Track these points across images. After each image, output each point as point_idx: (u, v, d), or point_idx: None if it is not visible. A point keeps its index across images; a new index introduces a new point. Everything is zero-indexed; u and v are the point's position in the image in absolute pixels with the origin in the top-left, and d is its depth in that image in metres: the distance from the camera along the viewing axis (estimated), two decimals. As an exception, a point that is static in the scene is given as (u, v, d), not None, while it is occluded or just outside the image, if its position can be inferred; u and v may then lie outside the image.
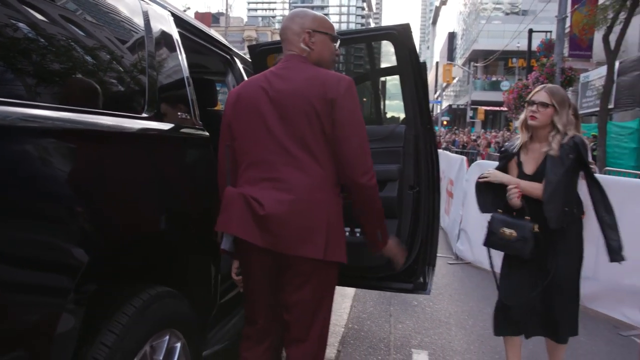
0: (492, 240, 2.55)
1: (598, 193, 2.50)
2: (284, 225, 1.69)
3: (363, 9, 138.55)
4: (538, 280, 2.51)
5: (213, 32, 2.77)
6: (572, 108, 2.54)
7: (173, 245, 1.82)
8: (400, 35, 2.37)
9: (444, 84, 52.94)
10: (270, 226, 1.69)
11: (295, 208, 1.69)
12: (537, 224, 2.42)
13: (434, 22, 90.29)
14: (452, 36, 59.11)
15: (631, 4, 9.74)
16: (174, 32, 2.05)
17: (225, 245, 1.91)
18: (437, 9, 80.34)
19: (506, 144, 2.88)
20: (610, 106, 12.54)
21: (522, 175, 2.56)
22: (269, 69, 1.89)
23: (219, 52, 2.78)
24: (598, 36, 11.97)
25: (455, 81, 51.75)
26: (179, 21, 2.16)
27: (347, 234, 2.62)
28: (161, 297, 1.64)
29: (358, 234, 2.63)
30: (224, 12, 42.21)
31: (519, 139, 2.62)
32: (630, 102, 12.23)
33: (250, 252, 1.79)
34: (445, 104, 56.40)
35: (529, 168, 2.55)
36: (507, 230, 2.46)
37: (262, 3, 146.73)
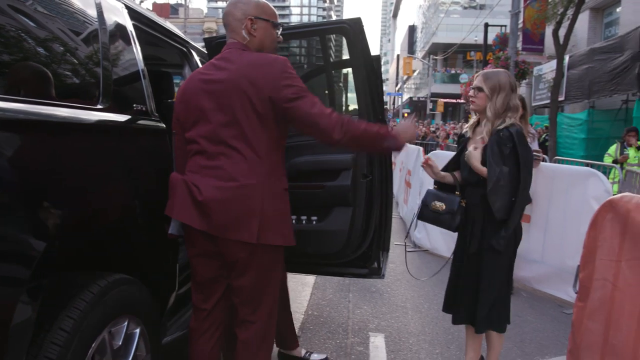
0: (424, 213, 2.69)
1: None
2: (220, 210, 1.78)
3: (324, 1, 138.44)
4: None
5: (169, 25, 2.79)
6: (513, 96, 2.46)
7: (130, 234, 1.86)
8: (352, 29, 2.45)
9: (405, 77, 53.62)
10: (207, 211, 1.79)
11: (230, 194, 1.78)
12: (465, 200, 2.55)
13: (395, 15, 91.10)
14: (412, 29, 59.84)
15: (578, 1, 10.17)
16: (128, 24, 2.07)
17: (172, 230, 1.98)
18: (398, 2, 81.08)
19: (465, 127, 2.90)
20: (561, 98, 13.06)
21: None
22: (209, 60, 1.97)
23: (175, 44, 2.81)
24: (549, 31, 12.42)
25: (415, 74, 52.52)
26: (133, 13, 2.18)
27: (294, 221, 2.73)
28: (119, 284, 1.68)
29: (314, 222, 2.73)
30: (183, 3, 41.44)
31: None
32: (579, 95, 12.76)
33: (195, 237, 1.88)
34: (406, 97, 57.18)
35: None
36: (438, 203, 2.61)
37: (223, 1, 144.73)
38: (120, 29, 1.99)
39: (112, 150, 1.78)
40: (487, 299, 2.44)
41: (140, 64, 2.06)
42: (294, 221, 2.75)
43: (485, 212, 2.42)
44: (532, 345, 3.35)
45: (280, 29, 2.00)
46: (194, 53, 3.03)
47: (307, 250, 2.72)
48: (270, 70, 1.79)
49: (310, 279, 4.39)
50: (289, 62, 1.83)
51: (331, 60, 2.84)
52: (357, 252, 2.68)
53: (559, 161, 9.12)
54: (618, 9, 13.89)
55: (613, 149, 7.78)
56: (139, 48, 2.08)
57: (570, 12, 10.67)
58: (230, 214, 1.78)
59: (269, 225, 1.81)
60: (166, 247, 2.11)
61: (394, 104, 61.07)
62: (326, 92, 2.99)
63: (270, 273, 1.93)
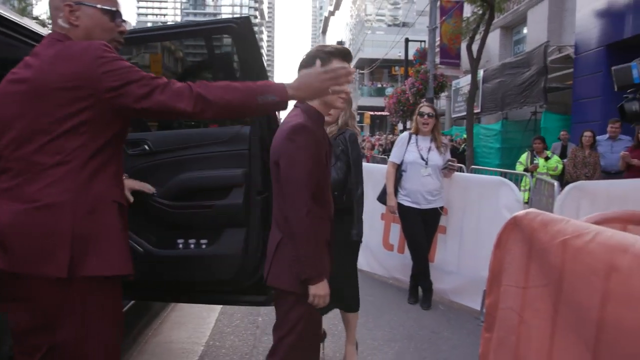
0: None
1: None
2: (17, 239, 1.41)
3: (255, 17, 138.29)
4: None
5: (28, 22, 2.39)
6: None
7: None
8: (240, 29, 2.19)
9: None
10: (4, 242, 1.41)
11: (28, 218, 1.41)
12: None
13: (324, 32, 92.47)
14: (340, 45, 60.95)
15: (488, 18, 10.63)
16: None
17: None
18: (327, 19, 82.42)
19: None
20: (478, 110, 13.57)
21: None
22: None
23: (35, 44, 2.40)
24: (464, 46, 12.90)
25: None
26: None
27: (181, 245, 2.40)
28: None
29: (204, 246, 2.41)
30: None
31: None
32: (493, 107, 13.31)
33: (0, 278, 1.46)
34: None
35: None
36: None
37: (153, 8, 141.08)
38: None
39: None
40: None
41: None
42: (180, 246, 2.42)
43: None
44: (447, 365, 3.20)
45: (121, 17, 1.65)
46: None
47: (196, 278, 2.39)
48: (82, 60, 1.45)
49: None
50: (106, 44, 1.49)
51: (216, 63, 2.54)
52: (254, 278, 2.38)
53: (475, 170, 9.35)
54: (525, 29, 14.73)
55: (524, 157, 8.05)
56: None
57: (482, 28, 11.11)
58: (29, 243, 1.40)
59: (86, 250, 1.43)
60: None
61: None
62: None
63: (100, 321, 1.49)
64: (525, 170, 7.70)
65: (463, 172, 7.30)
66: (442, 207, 4.27)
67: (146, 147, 2.47)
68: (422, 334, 3.69)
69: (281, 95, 1.57)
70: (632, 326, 1.00)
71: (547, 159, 7.71)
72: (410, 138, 4.25)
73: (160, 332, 3.40)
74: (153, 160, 2.47)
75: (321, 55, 1.85)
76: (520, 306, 1.45)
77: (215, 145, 2.39)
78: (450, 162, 4.22)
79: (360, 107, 39.45)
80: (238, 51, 2.25)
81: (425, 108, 4.26)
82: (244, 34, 2.21)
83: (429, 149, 4.17)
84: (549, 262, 1.33)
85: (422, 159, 4.14)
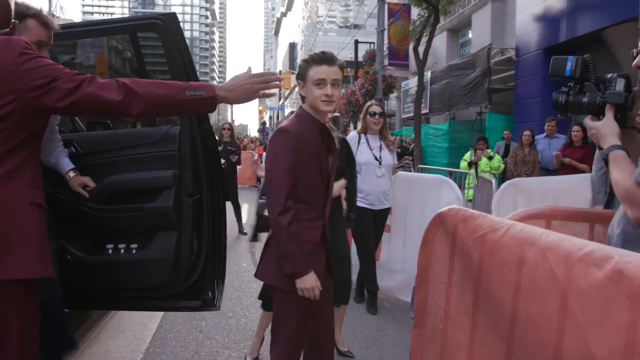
0: (260, 223, 2.46)
1: None
2: None
3: (207, 17, 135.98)
4: None
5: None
6: None
7: None
8: (166, 26, 2.13)
9: (287, 92, 54.30)
10: None
11: None
12: None
13: (276, 33, 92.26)
14: (292, 46, 60.89)
15: (433, 21, 10.90)
16: None
17: None
18: (279, 20, 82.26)
19: None
20: (426, 111, 13.87)
21: None
22: None
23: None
24: (412, 47, 13.16)
25: (297, 89, 53.37)
26: None
27: (110, 251, 2.31)
28: None
29: (134, 251, 2.32)
30: (53, 13, 37.90)
31: None
32: (441, 107, 13.65)
33: None
34: (288, 111, 57.86)
35: None
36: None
37: (99, 7, 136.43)
38: None
39: None
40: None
41: None
42: (110, 251, 2.32)
43: None
44: (390, 361, 3.23)
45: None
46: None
47: (127, 284, 2.30)
48: (3, 55, 1.38)
49: (161, 309, 3.90)
50: (25, 41, 1.43)
51: (145, 61, 2.45)
52: (187, 282, 2.32)
53: (423, 169, 9.55)
54: (470, 32, 15.18)
55: (468, 155, 8.28)
56: None
57: (428, 30, 11.36)
58: None
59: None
60: None
61: (277, 118, 61.49)
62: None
63: (15, 323, 1.43)
64: (469, 163, 7.92)
65: (411, 171, 7.44)
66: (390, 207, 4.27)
67: (73, 148, 2.36)
68: (366, 332, 3.72)
69: (210, 91, 1.58)
70: (537, 317, 1.02)
71: (490, 158, 7.96)
72: (360, 138, 4.14)
73: (96, 342, 3.26)
74: (81, 162, 2.36)
75: (300, 66, 2.05)
76: (445, 302, 1.47)
77: (145, 146, 2.31)
78: (407, 161, 4.23)
79: (313, 108, 39.51)
80: (165, 49, 2.18)
81: (375, 107, 4.16)
82: (170, 31, 2.15)
83: (380, 148, 4.10)
84: (469, 257, 1.36)
85: (376, 159, 4.06)
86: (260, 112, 59.29)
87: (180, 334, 3.51)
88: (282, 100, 63.79)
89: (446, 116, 14.39)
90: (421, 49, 11.59)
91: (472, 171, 7.71)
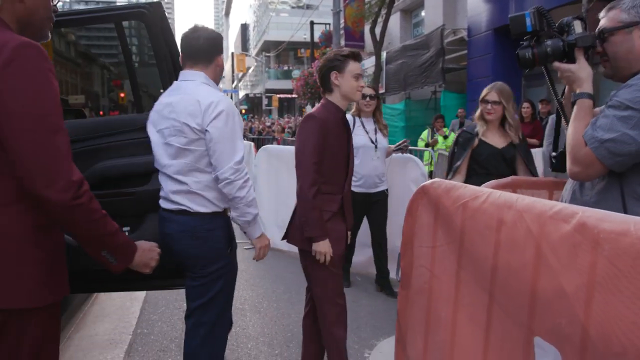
0: None
1: None
2: None
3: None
4: None
5: None
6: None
7: None
8: (151, 15, 2.19)
9: (240, 74, 53.54)
10: None
11: None
12: None
13: (227, 14, 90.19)
14: (244, 27, 59.87)
15: (389, 2, 11.08)
16: None
17: None
18: (229, 1, 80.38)
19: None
20: (382, 91, 14.14)
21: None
22: None
23: None
24: (368, 29, 13.33)
25: (250, 71, 52.74)
26: None
27: None
28: None
29: (127, 233, 2.41)
30: None
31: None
32: (397, 87, 13.95)
33: None
34: (242, 93, 57.17)
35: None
36: None
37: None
38: None
39: None
40: None
41: None
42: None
43: None
44: (367, 330, 3.46)
45: None
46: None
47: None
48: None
49: (141, 293, 3.99)
50: (31, 46, 1.28)
51: (131, 50, 2.51)
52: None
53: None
54: (423, 12, 15.49)
55: (425, 134, 8.61)
56: None
57: (384, 11, 11.56)
58: None
59: None
60: None
61: (231, 99, 60.61)
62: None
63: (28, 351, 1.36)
64: (426, 145, 8.25)
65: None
66: (387, 189, 4.22)
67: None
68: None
69: (123, 261, 1.54)
70: (516, 267, 1.23)
71: (445, 137, 8.31)
72: (355, 121, 4.06)
73: (82, 327, 3.33)
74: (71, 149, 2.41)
75: (338, 59, 2.34)
76: (431, 263, 1.66)
77: (134, 132, 2.38)
78: (405, 144, 4.24)
79: (267, 90, 39.34)
80: (151, 38, 2.24)
81: (367, 90, 4.00)
82: (155, 19, 2.21)
83: (375, 131, 4.08)
84: (452, 223, 1.55)
85: (372, 142, 4.03)
86: (214, 95, 58.07)
87: (165, 315, 3.62)
88: (235, 83, 62.89)
89: (402, 96, 14.72)
90: (377, 30, 11.77)
91: (431, 148, 8.04)
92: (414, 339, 1.73)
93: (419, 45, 12.50)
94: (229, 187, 2.06)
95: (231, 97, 60.08)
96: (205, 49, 2.10)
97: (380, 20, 11.82)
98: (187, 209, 2.08)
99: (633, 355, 0.94)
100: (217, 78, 2.21)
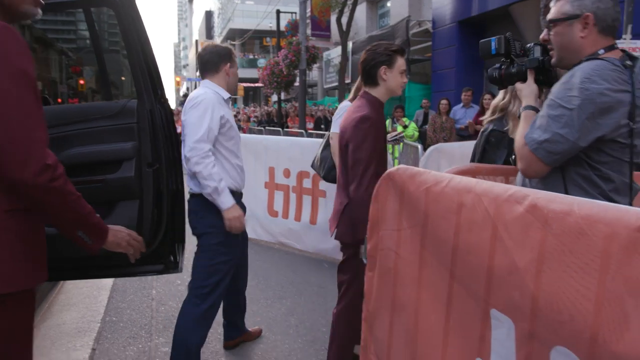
0: None
1: None
2: None
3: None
4: None
5: None
6: None
7: None
8: (122, 2, 2.18)
9: (204, 62, 52.75)
10: None
11: None
12: None
13: (190, 0, 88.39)
14: (209, 15, 58.83)
15: (356, -8, 11.16)
16: None
17: None
18: (193, -14, 78.79)
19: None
20: (348, 81, 14.24)
21: None
22: None
23: None
24: (334, 18, 13.37)
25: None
26: None
27: None
28: None
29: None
30: None
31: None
32: (363, 78, 14.08)
33: None
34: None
35: None
36: None
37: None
38: None
39: None
40: None
41: None
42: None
43: None
44: (334, 313, 3.55)
45: None
46: None
47: (82, 253, 2.39)
48: None
49: (108, 281, 3.97)
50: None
51: (101, 37, 2.50)
52: (150, 247, 2.45)
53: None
54: (389, 3, 15.64)
55: (387, 124, 8.76)
56: None
57: (350, 2, 11.62)
58: None
59: None
60: None
61: (195, 88, 59.60)
62: (122, 77, 2.65)
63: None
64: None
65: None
66: None
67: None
68: (310, 289, 4.02)
69: (98, 242, 1.57)
70: (474, 245, 1.33)
71: (405, 127, 8.49)
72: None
73: (49, 316, 3.30)
74: None
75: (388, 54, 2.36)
76: (396, 245, 1.75)
77: (103, 120, 2.38)
78: (399, 135, 4.38)
79: (233, 79, 38.84)
80: (120, 25, 2.23)
81: None
82: (124, 6, 2.20)
83: None
84: (417, 207, 1.64)
85: None
86: (178, 83, 57.22)
87: (133, 303, 3.62)
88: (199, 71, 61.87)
89: (368, 86, 14.87)
90: (343, 20, 11.84)
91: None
92: (380, 318, 1.82)
93: (385, 36, 12.65)
94: (188, 163, 2.44)
95: (195, 86, 59.14)
96: (209, 60, 2.62)
97: (346, 10, 11.88)
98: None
99: (579, 321, 1.04)
100: (229, 84, 2.67)
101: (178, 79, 58.47)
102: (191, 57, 70.45)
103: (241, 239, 2.70)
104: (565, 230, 1.08)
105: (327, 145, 3.65)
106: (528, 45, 1.85)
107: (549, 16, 1.72)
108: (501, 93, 2.96)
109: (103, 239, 1.59)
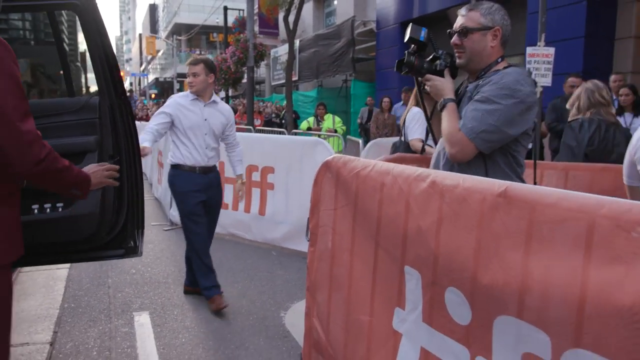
0: None
1: None
2: None
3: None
4: None
5: None
6: None
7: None
8: (84, 6, 2.36)
9: (149, 57, 51.36)
10: None
11: None
12: None
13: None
14: (153, 8, 57.35)
15: (303, -9, 11.45)
16: None
17: None
18: (134, -23, 76.34)
19: None
20: (295, 78, 14.54)
21: None
22: None
23: None
24: (282, 16, 13.60)
25: (160, 54, 50.79)
26: None
27: (36, 210, 2.56)
28: None
29: (60, 209, 2.59)
30: None
31: None
32: (310, 75, 14.43)
33: None
34: (152, 77, 54.90)
35: None
36: None
37: None
38: None
39: None
40: None
41: None
42: (36, 211, 2.56)
43: None
44: (282, 294, 3.85)
45: None
46: None
47: (56, 239, 2.57)
48: None
49: (63, 272, 4.09)
50: None
51: (64, 38, 2.66)
52: (112, 233, 2.65)
53: (296, 134, 10.24)
54: (335, 2, 16.02)
55: (312, 120, 9.12)
56: None
57: (297, 0, 11.90)
58: None
59: None
60: None
61: (139, 84, 57.95)
62: (61, 72, 2.81)
63: None
64: (308, 129, 8.82)
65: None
66: None
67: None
68: (260, 275, 4.29)
69: (85, 190, 1.88)
70: (393, 217, 1.66)
71: (319, 121, 8.94)
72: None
73: (5, 304, 3.40)
74: None
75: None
76: (333, 222, 2.07)
77: (66, 115, 2.55)
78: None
79: (179, 75, 38.16)
80: (83, 29, 2.41)
81: None
82: (87, 11, 2.38)
83: None
84: (349, 189, 1.97)
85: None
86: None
87: (90, 291, 3.77)
88: (144, 66, 60.20)
89: (314, 83, 15.23)
90: (290, 18, 12.10)
91: (341, 135, 8.56)
92: (321, 284, 2.14)
93: (331, 35, 13.03)
94: None
95: (139, 82, 57.45)
96: None
97: (293, 8, 12.14)
98: None
99: (464, 266, 1.39)
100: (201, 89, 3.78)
101: (122, 73, 56.52)
102: (135, 51, 68.22)
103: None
104: (454, 199, 1.43)
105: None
106: (440, 51, 2.09)
107: (465, 23, 1.99)
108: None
109: (89, 186, 1.88)
